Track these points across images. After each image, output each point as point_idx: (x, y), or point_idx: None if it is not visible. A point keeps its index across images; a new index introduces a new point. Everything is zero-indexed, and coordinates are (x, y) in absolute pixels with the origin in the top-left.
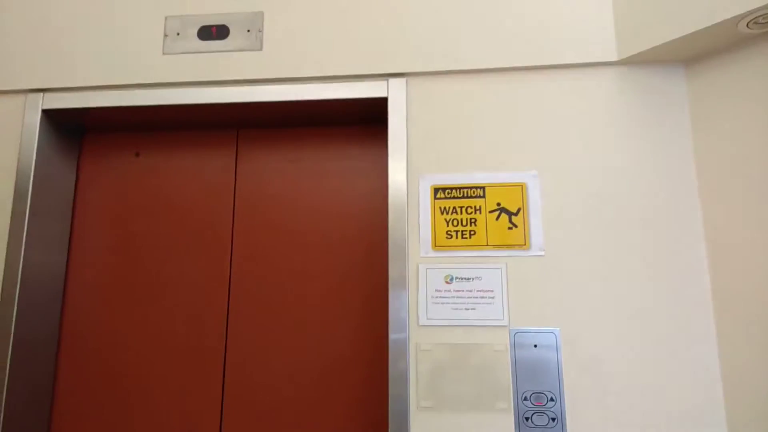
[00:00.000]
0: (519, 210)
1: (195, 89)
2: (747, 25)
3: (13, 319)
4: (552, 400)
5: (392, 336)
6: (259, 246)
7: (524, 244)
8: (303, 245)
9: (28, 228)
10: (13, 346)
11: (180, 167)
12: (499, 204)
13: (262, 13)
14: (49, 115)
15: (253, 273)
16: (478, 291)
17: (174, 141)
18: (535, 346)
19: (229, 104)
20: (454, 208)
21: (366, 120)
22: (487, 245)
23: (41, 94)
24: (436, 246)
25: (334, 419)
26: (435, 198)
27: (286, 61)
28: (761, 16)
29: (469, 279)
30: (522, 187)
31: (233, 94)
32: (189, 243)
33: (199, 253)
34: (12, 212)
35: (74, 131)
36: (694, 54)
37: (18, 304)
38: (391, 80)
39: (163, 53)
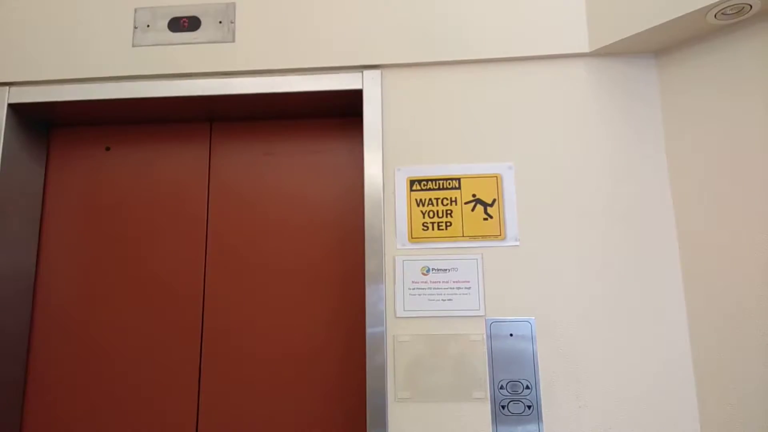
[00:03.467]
0: (494, 201)
1: (166, 82)
2: (715, 16)
3: None
4: (528, 388)
5: (369, 328)
6: (233, 240)
7: (499, 235)
8: (278, 239)
9: None
10: None
11: (152, 161)
12: (474, 195)
13: (234, 5)
14: (15, 109)
15: (227, 267)
16: (454, 282)
17: (145, 135)
18: (511, 335)
19: (201, 97)
20: (430, 199)
21: (341, 112)
22: (463, 236)
23: (7, 88)
24: (413, 238)
25: (312, 412)
26: (411, 190)
27: (259, 53)
28: (728, 7)
29: (445, 270)
30: (497, 178)
31: (205, 86)
32: (162, 238)
33: (173, 248)
34: None
35: (42, 125)
36: (664, 45)
37: None
38: (366, 72)
39: (133, 45)
